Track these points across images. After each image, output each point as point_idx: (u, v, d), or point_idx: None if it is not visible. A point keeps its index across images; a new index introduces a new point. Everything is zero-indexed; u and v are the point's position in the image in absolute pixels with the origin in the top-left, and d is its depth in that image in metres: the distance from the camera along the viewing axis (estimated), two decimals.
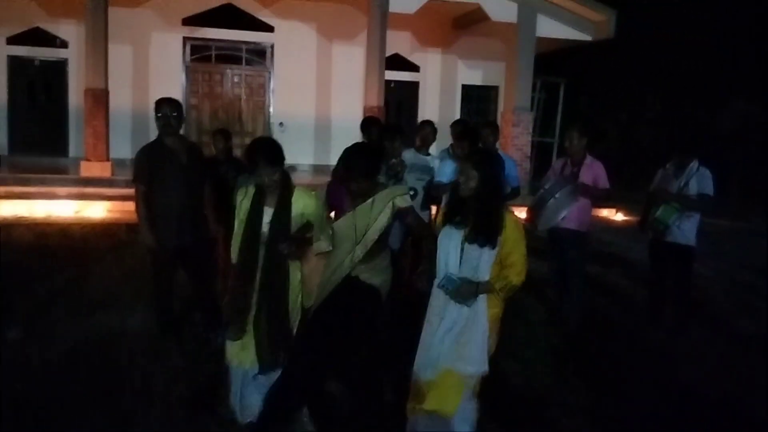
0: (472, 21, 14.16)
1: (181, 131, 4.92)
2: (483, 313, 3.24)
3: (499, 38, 14.49)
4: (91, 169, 11.03)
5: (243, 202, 3.56)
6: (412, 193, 5.32)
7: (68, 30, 13.22)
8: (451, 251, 3.26)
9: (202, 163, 5.02)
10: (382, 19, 12.22)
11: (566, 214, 5.28)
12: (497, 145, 6.43)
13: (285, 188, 3.53)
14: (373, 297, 3.65)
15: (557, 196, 5.27)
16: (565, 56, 15.68)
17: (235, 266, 3.56)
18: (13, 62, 13.35)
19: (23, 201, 9.84)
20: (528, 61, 13.40)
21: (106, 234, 8.57)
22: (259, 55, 14.61)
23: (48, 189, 10.37)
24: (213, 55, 14.36)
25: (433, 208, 5.97)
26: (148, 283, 5.20)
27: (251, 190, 3.57)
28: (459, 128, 5.87)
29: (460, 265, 3.23)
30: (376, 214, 3.56)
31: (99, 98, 11.12)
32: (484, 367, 3.24)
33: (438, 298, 3.33)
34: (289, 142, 15.34)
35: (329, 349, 3.47)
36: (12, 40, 13.18)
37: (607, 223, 11.88)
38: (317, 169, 14.05)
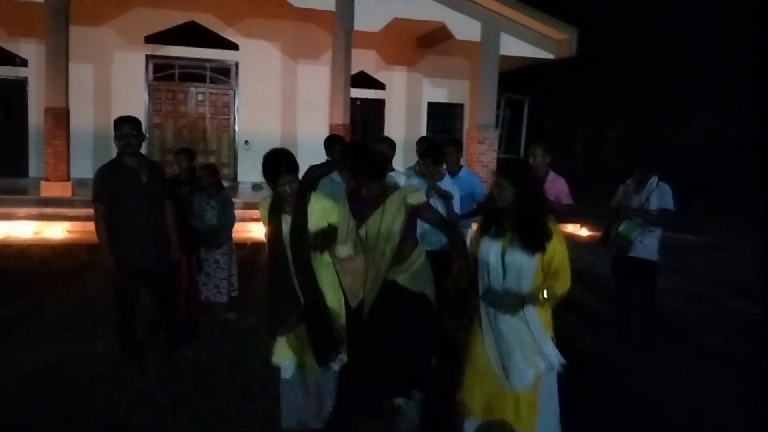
0: (437, 39, 14.30)
1: (143, 150, 4.86)
2: (535, 318, 3.21)
3: (464, 56, 14.65)
4: (51, 189, 10.82)
5: (264, 213, 3.67)
6: None
7: (28, 48, 13.00)
8: (492, 262, 3.22)
9: (164, 182, 4.95)
10: (347, 38, 12.28)
11: None
12: (462, 161, 6.48)
13: (300, 194, 3.59)
14: (422, 306, 3.68)
15: None
16: (529, 74, 15.92)
17: (268, 271, 3.85)
18: None
19: None
20: (492, 79, 13.57)
21: (66, 255, 8.40)
22: (224, 73, 14.53)
23: (7, 210, 10.12)
24: (176, 74, 14.23)
25: None
26: (110, 306, 5.09)
27: (267, 201, 3.68)
28: (423, 145, 5.91)
29: (504, 275, 3.20)
30: (390, 217, 3.59)
31: (59, 117, 10.94)
32: (551, 362, 3.27)
33: (487, 314, 3.29)
34: (255, 160, 15.28)
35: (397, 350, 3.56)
36: None
37: (572, 239, 12.02)
38: None
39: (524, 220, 3.15)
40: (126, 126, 4.57)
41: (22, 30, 12.64)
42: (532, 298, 3.17)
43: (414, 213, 3.65)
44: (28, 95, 13.27)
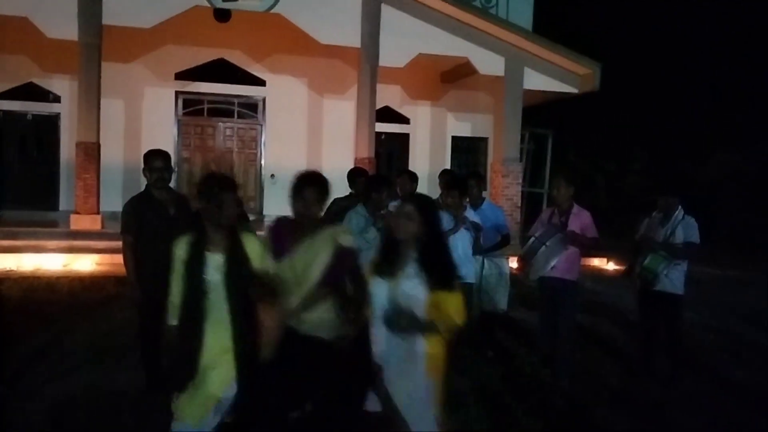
0: (461, 74, 14.43)
1: (172, 183, 4.94)
2: (422, 355, 2.99)
3: (488, 91, 14.75)
4: (80, 222, 11.01)
5: (181, 252, 3.28)
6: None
7: (62, 85, 13.37)
8: (382, 300, 3.00)
9: (191, 215, 5.01)
10: (372, 73, 12.45)
11: (556, 263, 5.29)
12: (485, 194, 6.49)
13: (234, 231, 3.30)
14: (322, 353, 3.25)
15: (548, 244, 5.30)
16: (553, 108, 15.95)
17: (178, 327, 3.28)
18: (6, 117, 13.45)
19: (11, 254, 9.77)
20: (516, 113, 13.62)
21: (94, 287, 8.49)
22: (251, 108, 14.78)
23: (37, 242, 10.31)
24: (205, 109, 14.52)
25: None
26: (136, 338, 5.13)
27: (186, 238, 3.30)
28: (447, 178, 5.95)
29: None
30: (314, 251, 3.26)
31: (90, 152, 11.19)
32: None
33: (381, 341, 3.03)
34: (281, 194, 15.36)
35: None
36: (5, 95, 13.30)
37: (598, 273, 11.89)
38: None
39: (432, 255, 2.98)
40: (158, 159, 4.66)
41: (56, 67, 13.01)
42: (430, 327, 2.95)
43: (339, 255, 3.25)
44: (60, 130, 13.61)
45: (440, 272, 2.96)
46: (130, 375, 5.14)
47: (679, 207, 5.68)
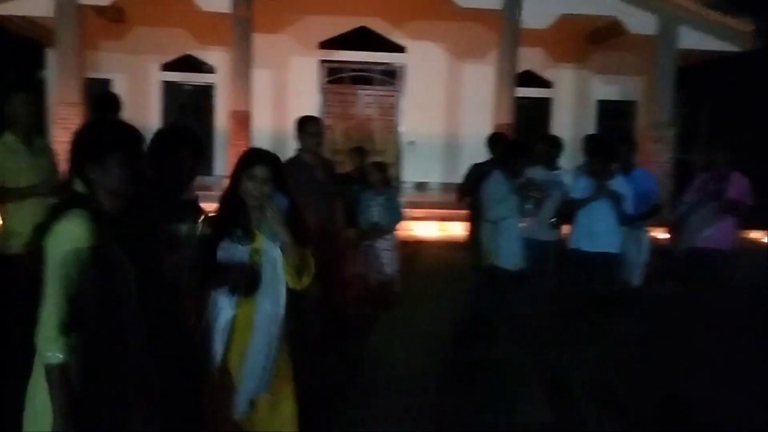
0: (609, 35, 13.73)
1: None
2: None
3: (638, 52, 13.94)
4: None
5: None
6: (530, 207, 5.23)
7: (216, 56, 14.16)
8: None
9: (336, 179, 5.23)
10: (514, 36, 12.15)
11: (709, 233, 4.99)
12: (635, 161, 6.20)
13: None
14: None
15: (700, 212, 5.00)
16: (710, 69, 14.81)
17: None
18: (167, 87, 14.50)
19: None
20: (669, 74, 12.80)
21: None
22: (391, 75, 14.94)
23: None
24: (347, 77, 14.86)
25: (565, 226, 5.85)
26: None
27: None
28: (591, 143, 5.73)
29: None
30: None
31: (243, 120, 11.83)
32: None
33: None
34: (419, 160, 15.59)
35: None
36: (166, 67, 14.34)
37: (756, 247, 11.01)
38: (446, 186, 14.10)
39: (293, 217, 2.85)
40: (316, 125, 4.91)
41: (211, 39, 13.78)
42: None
43: None
44: (214, 100, 14.48)
45: (299, 232, 2.84)
46: None
47: None
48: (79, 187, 2.22)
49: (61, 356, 2.00)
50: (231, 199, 2.90)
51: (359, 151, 6.63)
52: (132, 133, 2.29)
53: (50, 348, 2.01)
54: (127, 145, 2.24)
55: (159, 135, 2.96)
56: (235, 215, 2.87)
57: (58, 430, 2.00)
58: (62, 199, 2.25)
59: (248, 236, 2.84)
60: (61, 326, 2.02)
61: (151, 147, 2.77)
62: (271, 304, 2.84)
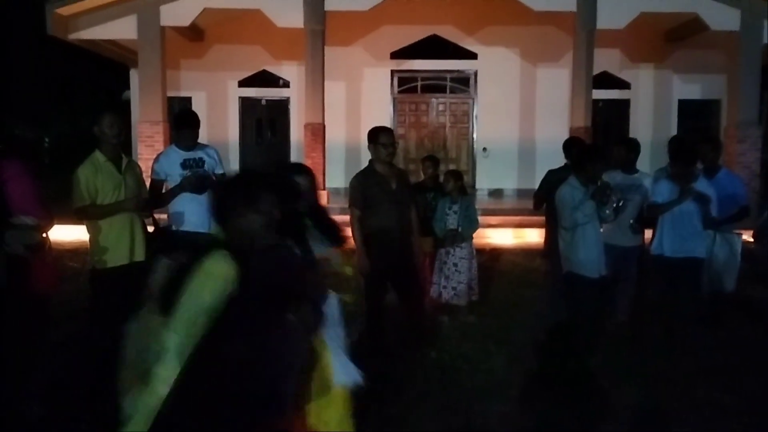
0: (689, 32, 13.26)
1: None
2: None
3: (720, 48, 13.39)
4: None
5: None
6: (615, 208, 5.09)
7: (290, 71, 14.48)
8: None
9: (410, 188, 5.25)
10: (589, 38, 11.91)
11: None
12: (720, 161, 5.96)
13: None
14: None
15: None
16: None
17: None
18: (244, 102, 14.93)
19: None
20: (754, 71, 12.24)
21: None
22: (463, 82, 14.89)
23: None
24: (419, 86, 14.91)
25: (647, 231, 5.68)
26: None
27: None
28: (672, 146, 5.56)
29: None
30: None
31: (317, 132, 12.05)
32: None
33: None
34: (493, 167, 15.47)
35: None
36: (243, 83, 14.76)
37: None
38: (521, 193, 13.92)
39: (323, 219, 3.30)
40: (386, 135, 4.96)
41: (285, 54, 14.11)
42: None
43: None
44: (290, 113, 14.80)
45: (334, 232, 3.32)
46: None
47: None
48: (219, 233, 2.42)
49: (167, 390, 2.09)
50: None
51: (431, 160, 6.65)
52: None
53: (164, 380, 2.09)
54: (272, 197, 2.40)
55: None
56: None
57: None
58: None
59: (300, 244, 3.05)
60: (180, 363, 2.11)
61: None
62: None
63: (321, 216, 3.28)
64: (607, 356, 5.09)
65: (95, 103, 17.69)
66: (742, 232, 5.79)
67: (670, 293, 5.21)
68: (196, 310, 2.14)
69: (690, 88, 14.70)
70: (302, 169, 3.33)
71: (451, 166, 14.13)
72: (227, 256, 2.22)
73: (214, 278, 2.18)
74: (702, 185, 5.13)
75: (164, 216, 5.02)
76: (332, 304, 3.07)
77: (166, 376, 2.09)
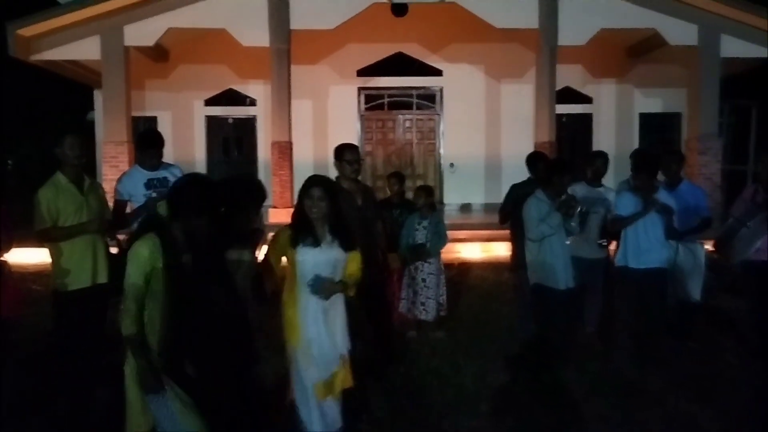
0: (649, 47, 13.57)
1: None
2: (341, 301, 3.78)
3: (680, 62, 13.70)
4: (278, 215, 11.80)
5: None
6: (580, 221, 5.17)
7: (257, 89, 14.44)
8: (311, 264, 3.61)
9: (376, 205, 5.25)
10: (551, 54, 12.11)
11: (759, 245, 4.84)
12: (682, 174, 6.07)
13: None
14: None
15: (750, 225, 4.86)
16: (756, 76, 14.45)
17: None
18: (210, 121, 14.84)
19: None
20: (713, 84, 12.54)
21: None
22: (429, 99, 15.01)
23: None
24: (385, 103, 14.99)
25: (612, 243, 5.75)
26: None
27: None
28: (635, 159, 5.65)
29: (327, 270, 3.64)
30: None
31: (284, 150, 12.02)
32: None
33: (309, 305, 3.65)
34: (460, 182, 15.55)
35: None
36: (209, 102, 14.69)
37: None
38: (488, 207, 14.01)
39: (341, 226, 3.71)
40: (353, 152, 4.96)
41: (252, 73, 14.07)
42: (345, 286, 3.73)
43: None
44: (257, 131, 14.75)
45: (348, 238, 3.72)
46: None
47: None
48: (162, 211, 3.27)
49: (135, 329, 3.03)
50: (299, 214, 3.70)
51: (397, 177, 6.65)
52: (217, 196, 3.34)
53: (126, 326, 3.03)
54: (213, 209, 3.26)
55: (231, 184, 3.83)
56: (305, 226, 3.65)
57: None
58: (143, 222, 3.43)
59: (316, 242, 3.62)
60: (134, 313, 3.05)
61: (226, 192, 3.59)
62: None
63: (337, 222, 3.69)
64: (577, 368, 5.12)
65: (59, 124, 17.39)
66: (705, 242, 5.89)
67: (637, 304, 5.27)
68: (131, 282, 3.06)
69: (651, 102, 15.00)
70: (320, 180, 3.71)
71: (419, 182, 14.18)
72: (152, 238, 3.09)
73: (137, 258, 3.06)
74: (663, 196, 5.22)
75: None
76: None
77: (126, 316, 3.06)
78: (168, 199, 3.32)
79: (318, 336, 3.61)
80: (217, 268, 3.48)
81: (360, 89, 14.77)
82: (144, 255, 3.04)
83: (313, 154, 14.02)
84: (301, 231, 3.65)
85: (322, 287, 3.59)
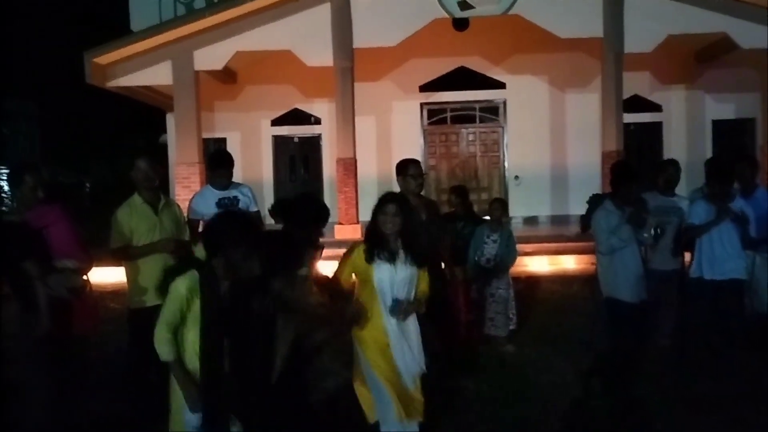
0: (719, 51, 13.16)
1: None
2: (414, 318, 3.85)
3: (753, 66, 13.23)
4: (343, 232, 11.96)
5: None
6: (654, 233, 5.02)
7: (321, 108, 14.70)
8: (388, 280, 3.71)
9: (440, 219, 5.26)
10: (617, 62, 11.87)
11: None
12: (758, 181, 5.85)
13: None
14: None
15: None
16: None
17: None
18: (277, 141, 15.19)
19: None
20: None
21: None
22: (492, 111, 14.95)
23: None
24: (448, 117, 15.00)
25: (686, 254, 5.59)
26: None
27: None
28: (707, 167, 5.49)
29: (394, 289, 3.72)
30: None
31: (349, 167, 12.15)
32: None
33: (390, 323, 3.74)
34: (526, 194, 15.37)
35: None
36: (275, 122, 15.04)
37: None
38: (555, 219, 13.80)
39: (415, 242, 3.79)
40: (415, 167, 5.02)
41: (316, 92, 14.34)
42: (419, 304, 3.83)
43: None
44: (321, 149, 15.00)
45: (420, 254, 3.80)
46: None
47: None
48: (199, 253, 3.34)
49: (173, 356, 3.14)
50: (373, 230, 3.79)
51: (457, 191, 6.64)
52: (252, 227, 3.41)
53: (164, 353, 3.13)
54: (249, 240, 3.26)
55: (295, 203, 4.14)
56: (380, 242, 3.73)
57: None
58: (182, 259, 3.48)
59: (391, 257, 3.71)
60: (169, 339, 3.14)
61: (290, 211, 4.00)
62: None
63: (410, 238, 3.77)
64: (651, 382, 4.98)
65: (134, 147, 18.15)
66: None
67: (712, 316, 5.09)
68: (166, 314, 3.17)
69: (723, 108, 14.52)
70: (394, 197, 3.88)
71: (484, 195, 14.20)
72: (192, 274, 3.16)
73: (175, 294, 3.15)
74: (739, 205, 5.05)
75: None
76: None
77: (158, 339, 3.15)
78: (203, 237, 3.44)
79: (402, 354, 3.71)
80: (259, 296, 3.55)
81: (422, 104, 14.84)
82: (181, 293, 3.14)
83: (377, 170, 14.13)
84: (376, 247, 3.73)
85: (401, 310, 3.69)
